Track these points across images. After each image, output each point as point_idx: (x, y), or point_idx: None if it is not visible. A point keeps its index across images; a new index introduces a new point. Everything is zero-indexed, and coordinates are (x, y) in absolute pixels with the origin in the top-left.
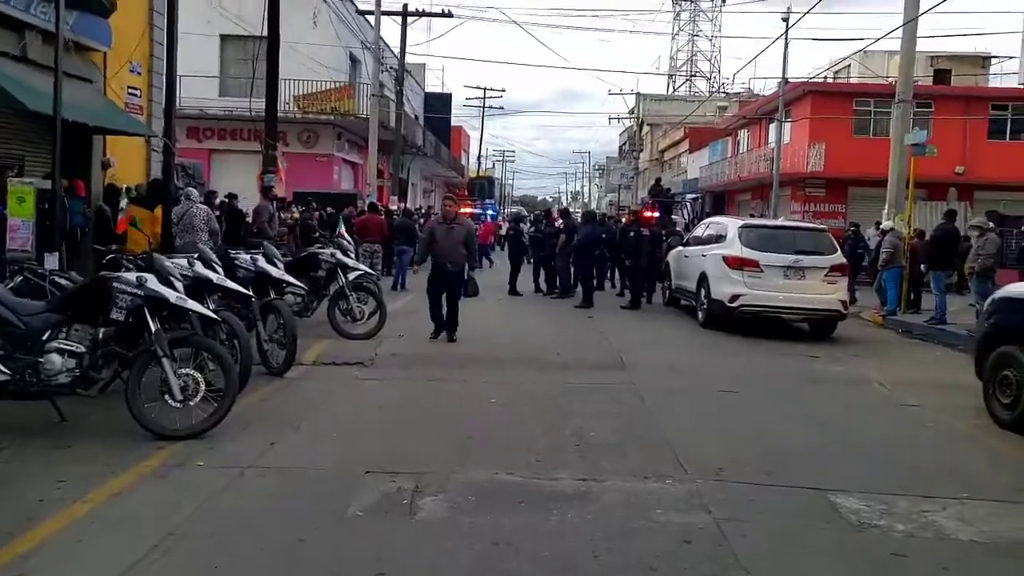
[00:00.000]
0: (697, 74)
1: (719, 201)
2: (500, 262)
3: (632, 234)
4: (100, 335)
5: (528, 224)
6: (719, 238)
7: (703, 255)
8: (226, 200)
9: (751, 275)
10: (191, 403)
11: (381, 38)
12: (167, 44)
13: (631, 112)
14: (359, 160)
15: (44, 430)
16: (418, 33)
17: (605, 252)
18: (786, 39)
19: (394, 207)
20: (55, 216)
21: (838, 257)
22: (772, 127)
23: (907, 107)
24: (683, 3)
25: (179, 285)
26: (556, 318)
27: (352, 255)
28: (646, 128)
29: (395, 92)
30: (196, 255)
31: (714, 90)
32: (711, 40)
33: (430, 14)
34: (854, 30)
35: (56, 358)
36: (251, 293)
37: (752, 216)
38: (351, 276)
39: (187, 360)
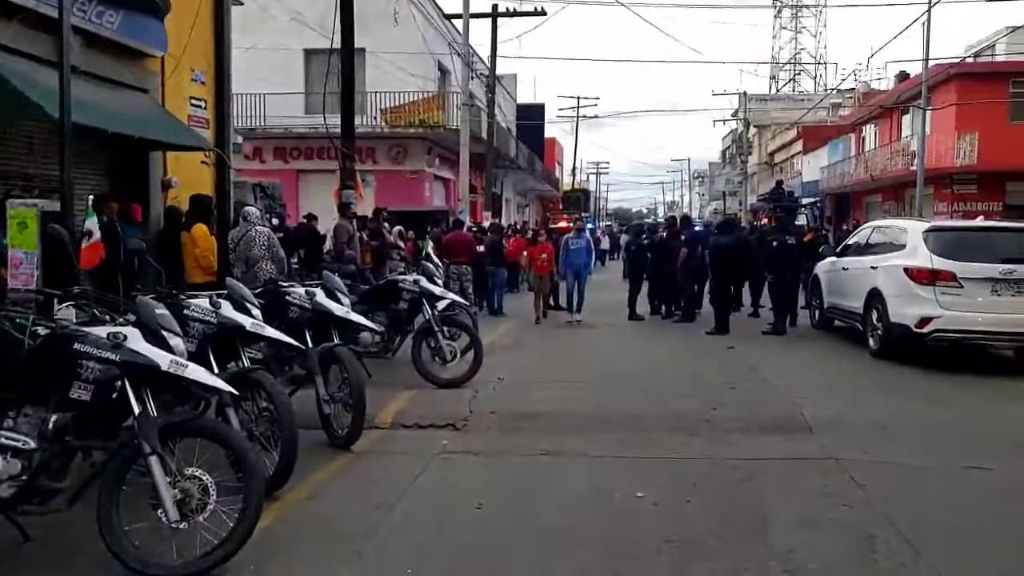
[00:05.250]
0: (802, 72)
1: (842, 204)
2: (601, 277)
3: (776, 243)
4: (50, 425)
5: (644, 236)
6: (894, 245)
7: (872, 267)
8: (304, 221)
9: (946, 291)
10: (196, 519)
11: (470, 45)
12: (216, 51)
13: (734, 114)
14: (451, 176)
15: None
16: (510, 32)
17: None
18: (929, 9)
19: (486, 224)
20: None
21: None
22: (906, 119)
23: None
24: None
25: (178, 342)
26: (691, 351)
27: (439, 281)
28: (753, 130)
29: (487, 99)
30: (225, 292)
31: (826, 90)
32: (815, 37)
33: (521, 13)
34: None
35: None
36: (302, 342)
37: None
38: (440, 307)
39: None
